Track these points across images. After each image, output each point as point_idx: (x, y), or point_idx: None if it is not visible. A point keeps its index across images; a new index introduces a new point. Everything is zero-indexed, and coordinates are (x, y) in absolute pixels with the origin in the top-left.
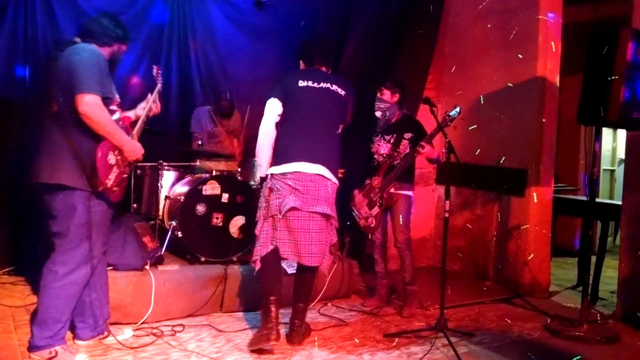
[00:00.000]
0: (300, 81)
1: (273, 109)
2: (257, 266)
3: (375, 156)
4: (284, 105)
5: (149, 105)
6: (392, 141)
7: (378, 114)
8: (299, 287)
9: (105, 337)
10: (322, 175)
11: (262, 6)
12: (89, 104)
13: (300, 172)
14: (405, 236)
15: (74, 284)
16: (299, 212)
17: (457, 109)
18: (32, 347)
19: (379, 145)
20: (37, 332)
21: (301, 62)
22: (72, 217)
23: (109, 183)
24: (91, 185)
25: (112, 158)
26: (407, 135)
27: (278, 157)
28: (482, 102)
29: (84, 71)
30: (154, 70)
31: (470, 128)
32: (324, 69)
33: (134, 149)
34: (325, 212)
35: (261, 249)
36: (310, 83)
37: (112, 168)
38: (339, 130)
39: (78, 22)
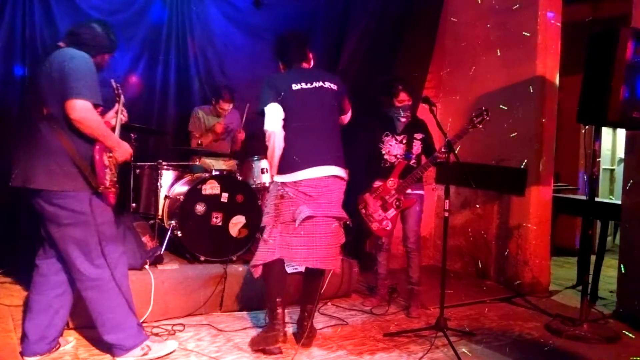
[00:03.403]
0: (293, 84)
1: (277, 113)
2: (257, 272)
3: (386, 157)
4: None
5: (119, 116)
6: (404, 142)
7: (403, 120)
8: (309, 290)
9: (57, 348)
10: (337, 176)
11: (260, 5)
12: (81, 109)
13: (314, 177)
14: (417, 236)
15: (124, 276)
16: (315, 218)
17: (485, 111)
18: (119, 351)
19: (391, 145)
20: (115, 338)
21: (280, 63)
22: (83, 220)
23: (107, 183)
24: (91, 187)
25: (105, 159)
26: (418, 136)
27: (288, 165)
28: (481, 101)
29: (78, 77)
30: (113, 84)
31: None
32: (305, 65)
33: (125, 150)
34: (340, 216)
35: (265, 256)
36: (303, 85)
37: (107, 169)
38: (343, 122)
39: (76, 21)
